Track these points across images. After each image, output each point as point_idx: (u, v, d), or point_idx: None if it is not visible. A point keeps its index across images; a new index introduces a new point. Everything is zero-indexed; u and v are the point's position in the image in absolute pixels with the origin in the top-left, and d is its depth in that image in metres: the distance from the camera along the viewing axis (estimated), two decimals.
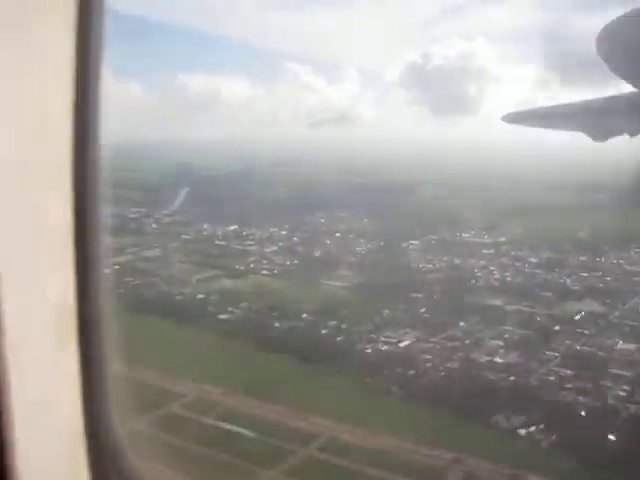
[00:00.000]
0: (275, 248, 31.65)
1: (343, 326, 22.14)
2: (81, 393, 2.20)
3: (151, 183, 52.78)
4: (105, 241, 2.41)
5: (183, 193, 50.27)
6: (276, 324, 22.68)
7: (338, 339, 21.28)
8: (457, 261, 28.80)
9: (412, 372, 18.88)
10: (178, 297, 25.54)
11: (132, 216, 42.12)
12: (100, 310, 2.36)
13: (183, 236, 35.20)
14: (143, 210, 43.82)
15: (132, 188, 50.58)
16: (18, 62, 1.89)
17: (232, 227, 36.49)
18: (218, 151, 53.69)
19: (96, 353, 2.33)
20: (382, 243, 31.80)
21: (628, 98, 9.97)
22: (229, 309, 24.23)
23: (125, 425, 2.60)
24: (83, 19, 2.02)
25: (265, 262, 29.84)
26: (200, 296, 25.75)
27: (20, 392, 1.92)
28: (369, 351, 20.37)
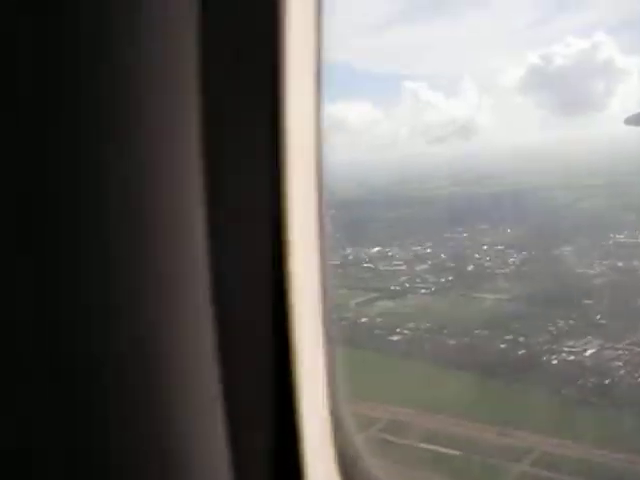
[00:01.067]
0: (425, 266, 31.74)
1: (520, 339, 21.93)
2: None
3: None
4: None
5: None
6: (451, 342, 22.72)
7: (520, 352, 21.08)
8: (619, 264, 27.95)
9: (607, 381, 18.47)
10: (343, 322, 25.97)
11: None
12: None
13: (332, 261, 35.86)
14: None
15: None
16: None
17: (375, 249, 36.89)
18: (340, 176, 54.58)
19: None
20: (533, 252, 31.28)
21: None
22: (397, 330, 24.47)
23: None
24: None
25: (419, 281, 29.93)
26: (364, 319, 26.14)
27: None
28: (556, 362, 20.06)
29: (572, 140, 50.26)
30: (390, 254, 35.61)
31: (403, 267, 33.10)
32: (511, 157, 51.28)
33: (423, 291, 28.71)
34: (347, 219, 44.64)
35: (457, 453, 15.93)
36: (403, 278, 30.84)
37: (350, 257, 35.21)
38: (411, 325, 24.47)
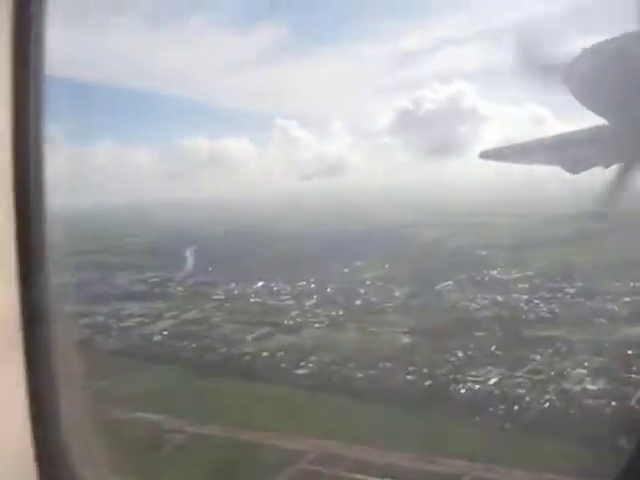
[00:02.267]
0: (314, 301, 32.21)
1: (424, 370, 22.82)
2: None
3: (152, 245, 52.80)
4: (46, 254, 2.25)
5: (190, 254, 50.52)
6: (359, 374, 23.20)
7: (427, 383, 21.93)
8: (500, 298, 29.84)
9: (516, 407, 19.68)
10: (246, 357, 25.81)
11: (153, 280, 42.23)
12: (46, 324, 2.34)
13: (215, 297, 35.48)
14: (160, 274, 43.95)
15: (135, 252, 50.64)
16: None
17: (259, 284, 36.99)
18: (214, 210, 54.21)
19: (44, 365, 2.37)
20: (415, 287, 32.68)
21: (596, 130, 10.28)
22: (301, 364, 24.64)
23: None
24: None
25: (310, 315, 30.35)
26: (265, 354, 26.11)
27: None
28: (463, 392, 21.09)
29: (437, 180, 52.82)
30: (275, 289, 35.82)
31: (291, 302, 33.40)
32: (379, 195, 53.14)
33: (317, 325, 29.11)
34: (221, 255, 44.58)
35: None
36: (294, 312, 31.10)
37: (235, 292, 35.04)
38: (314, 359, 24.73)
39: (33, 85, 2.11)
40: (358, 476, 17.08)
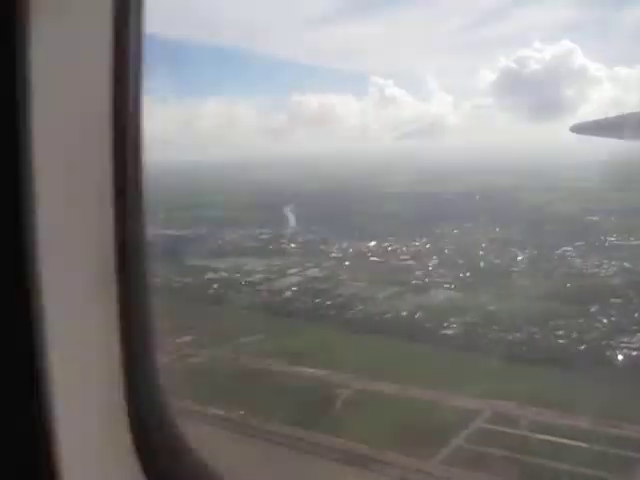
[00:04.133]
0: (436, 262, 32.63)
1: (573, 335, 23.21)
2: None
3: (254, 202, 53.62)
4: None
5: (290, 210, 51.25)
6: (508, 337, 23.70)
7: (581, 348, 22.34)
8: (627, 264, 29.87)
9: None
10: (386, 316, 26.47)
11: (263, 237, 43.18)
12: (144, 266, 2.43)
13: (332, 254, 36.20)
14: (267, 230, 44.83)
15: (238, 209, 51.60)
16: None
17: (372, 243, 37.55)
18: (312, 167, 54.66)
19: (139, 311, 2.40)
20: (536, 252, 32.84)
21: None
22: (444, 324, 25.23)
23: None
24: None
25: (436, 276, 30.84)
26: (403, 313, 26.74)
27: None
28: (621, 357, 21.48)
29: (540, 144, 52.39)
30: (390, 249, 36.31)
31: (411, 262, 33.87)
32: (478, 156, 52.79)
33: (446, 286, 29.61)
34: (322, 213, 44.99)
35: (579, 444, 16.89)
36: (418, 273, 31.62)
37: (350, 250, 35.64)
38: (455, 320, 25.28)
39: (133, 42, 2.11)
40: (539, 436, 17.63)
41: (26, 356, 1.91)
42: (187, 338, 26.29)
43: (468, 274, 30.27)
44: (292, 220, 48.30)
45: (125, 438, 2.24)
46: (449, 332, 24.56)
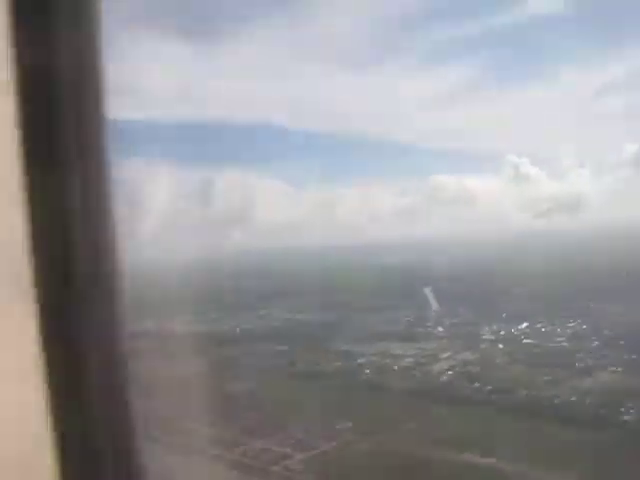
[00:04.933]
0: (597, 343, 31.29)
1: None
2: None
3: (387, 284, 53.70)
4: None
5: (429, 292, 50.93)
6: None
7: None
8: None
9: None
10: (556, 400, 25.41)
11: (407, 319, 43.09)
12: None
13: (484, 337, 35.47)
14: (408, 313, 44.71)
15: (371, 293, 51.70)
16: None
17: (524, 324, 36.55)
18: (447, 247, 54.47)
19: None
20: None
21: None
22: (621, 409, 23.89)
23: None
24: None
25: (599, 358, 29.49)
26: (573, 398, 25.57)
27: None
28: None
29: None
30: (544, 330, 35.12)
31: (566, 343, 32.59)
32: (622, 233, 50.84)
33: (612, 369, 28.20)
34: (466, 293, 44.02)
35: None
36: (578, 355, 30.33)
37: (502, 333, 34.69)
38: (631, 404, 23.86)
39: None
40: None
41: None
42: (348, 424, 26.05)
43: (634, 356, 28.84)
44: (434, 302, 47.85)
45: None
46: (628, 418, 23.23)
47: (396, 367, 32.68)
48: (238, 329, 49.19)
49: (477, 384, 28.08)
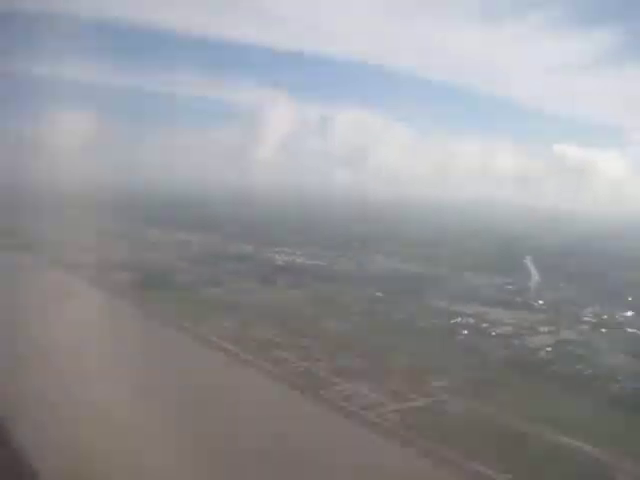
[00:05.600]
0: None
1: None
2: None
3: (492, 249, 52.96)
4: None
5: (530, 263, 50.13)
6: None
7: None
8: None
9: None
10: None
11: (509, 288, 42.55)
12: None
13: (584, 318, 34.76)
14: (510, 280, 44.03)
15: (476, 255, 51.07)
16: None
17: (628, 313, 35.57)
18: (555, 220, 53.26)
19: None
20: None
21: None
22: None
23: None
24: None
25: None
26: None
27: None
28: None
29: None
30: None
31: None
32: None
33: None
34: (565, 270, 42.83)
35: None
36: None
37: (604, 317, 33.82)
38: None
39: None
40: None
41: None
42: (442, 383, 25.91)
43: None
44: (535, 273, 47.06)
45: None
46: None
47: (493, 333, 32.35)
48: (337, 268, 49.50)
49: (579, 366, 27.53)
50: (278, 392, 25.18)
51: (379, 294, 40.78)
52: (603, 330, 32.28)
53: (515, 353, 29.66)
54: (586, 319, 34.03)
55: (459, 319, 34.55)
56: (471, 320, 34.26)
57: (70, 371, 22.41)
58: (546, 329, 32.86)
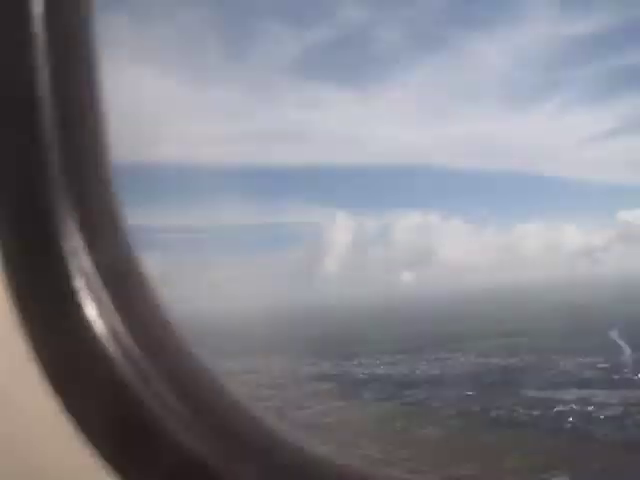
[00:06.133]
0: None
1: None
2: None
3: (572, 326, 51.46)
4: None
5: (618, 336, 48.37)
6: None
7: None
8: None
9: None
10: None
11: (601, 366, 40.98)
12: None
13: None
14: (600, 359, 42.43)
15: (559, 334, 49.62)
16: None
17: None
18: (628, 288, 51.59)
19: None
20: None
21: None
22: None
23: None
24: None
25: None
26: None
27: None
28: None
29: None
30: None
31: None
32: None
33: None
34: None
35: None
36: None
37: None
38: None
39: None
40: None
41: None
42: (564, 478, 24.58)
43: None
44: (624, 346, 45.12)
45: None
46: None
47: (602, 416, 30.76)
48: (420, 372, 48.49)
49: None
50: None
51: (469, 393, 39.49)
52: None
53: (632, 434, 28.05)
54: None
55: (561, 406, 33.05)
56: (574, 406, 32.74)
57: None
58: None
